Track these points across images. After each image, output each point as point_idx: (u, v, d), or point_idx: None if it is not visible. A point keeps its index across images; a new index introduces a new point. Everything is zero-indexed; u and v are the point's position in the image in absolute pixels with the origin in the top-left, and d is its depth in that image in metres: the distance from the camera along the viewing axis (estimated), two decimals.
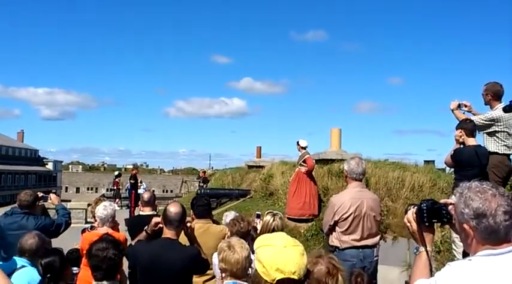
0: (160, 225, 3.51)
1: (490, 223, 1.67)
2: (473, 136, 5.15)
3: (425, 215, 1.98)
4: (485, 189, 1.73)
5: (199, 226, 4.26)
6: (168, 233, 3.40)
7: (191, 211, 4.50)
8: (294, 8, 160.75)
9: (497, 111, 5.39)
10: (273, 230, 4.06)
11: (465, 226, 1.73)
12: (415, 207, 2.04)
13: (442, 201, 2.03)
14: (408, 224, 2.07)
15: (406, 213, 2.09)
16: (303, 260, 1.72)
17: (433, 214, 1.98)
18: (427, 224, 1.99)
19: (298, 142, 9.45)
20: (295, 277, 1.68)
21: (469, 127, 5.17)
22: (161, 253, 3.30)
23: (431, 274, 1.89)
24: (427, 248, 2.00)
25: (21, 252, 3.50)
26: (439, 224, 2.01)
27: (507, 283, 1.63)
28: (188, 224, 3.53)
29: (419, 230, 2.02)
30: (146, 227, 3.69)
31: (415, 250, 2.05)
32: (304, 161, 9.38)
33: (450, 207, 1.92)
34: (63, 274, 3.35)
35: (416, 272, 1.98)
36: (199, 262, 3.44)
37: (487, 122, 5.43)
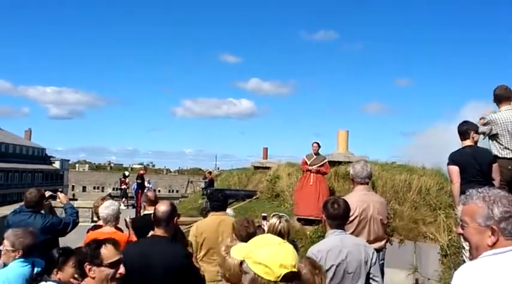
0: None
1: None
2: (466, 138, 5.14)
3: None
4: (509, 195, 1.83)
5: (215, 217, 4.82)
6: (157, 231, 3.50)
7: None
8: (304, 7, 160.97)
9: (493, 114, 5.45)
10: (280, 233, 4.06)
11: (494, 227, 1.77)
12: None
13: None
14: None
15: None
16: (295, 254, 1.79)
17: None
18: None
19: (318, 144, 9.51)
20: (296, 269, 1.74)
21: (460, 130, 5.19)
22: (149, 251, 3.37)
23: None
24: None
25: None
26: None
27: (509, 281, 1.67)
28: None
29: None
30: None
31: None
32: (322, 165, 9.43)
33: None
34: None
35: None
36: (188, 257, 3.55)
37: (485, 128, 5.46)
